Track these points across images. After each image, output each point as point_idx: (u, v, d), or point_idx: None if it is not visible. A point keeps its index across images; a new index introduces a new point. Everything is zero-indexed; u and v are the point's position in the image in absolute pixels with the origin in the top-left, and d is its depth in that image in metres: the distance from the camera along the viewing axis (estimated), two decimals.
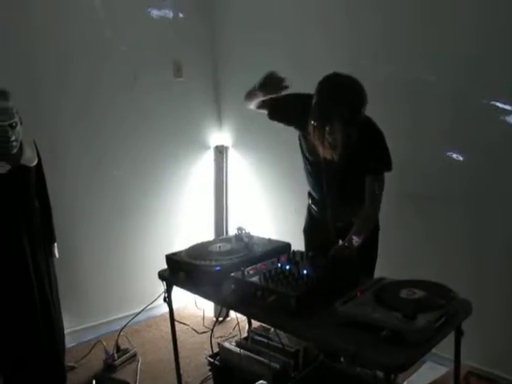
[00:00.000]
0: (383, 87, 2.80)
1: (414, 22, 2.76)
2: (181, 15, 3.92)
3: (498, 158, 2.54)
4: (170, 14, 3.87)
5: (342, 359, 2.36)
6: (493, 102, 2.49)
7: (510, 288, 2.56)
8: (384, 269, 2.36)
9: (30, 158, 2.71)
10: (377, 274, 2.14)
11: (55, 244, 2.92)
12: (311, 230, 2.60)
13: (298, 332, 1.82)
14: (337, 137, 2.04)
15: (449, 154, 2.69)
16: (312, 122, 2.08)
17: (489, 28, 2.48)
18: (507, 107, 2.44)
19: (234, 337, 2.98)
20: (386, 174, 2.24)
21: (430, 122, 2.75)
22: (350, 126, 2.03)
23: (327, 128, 2.03)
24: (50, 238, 2.88)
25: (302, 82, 3.30)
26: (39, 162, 2.79)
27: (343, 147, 2.07)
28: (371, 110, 2.10)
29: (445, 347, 1.91)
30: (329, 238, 2.36)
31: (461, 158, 2.66)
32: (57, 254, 2.93)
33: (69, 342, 3.27)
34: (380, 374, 1.58)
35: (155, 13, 3.79)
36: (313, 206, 2.54)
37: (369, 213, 2.26)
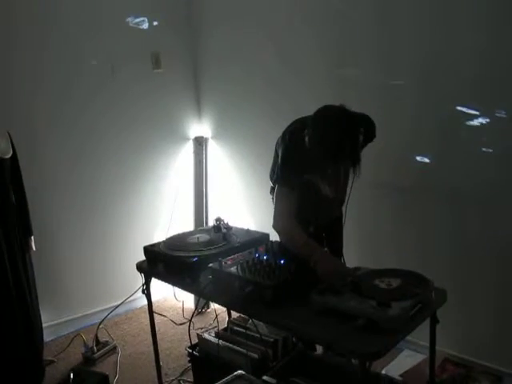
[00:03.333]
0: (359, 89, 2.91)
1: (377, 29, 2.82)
2: (159, 6, 3.89)
3: (465, 156, 2.60)
4: (149, 5, 3.83)
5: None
6: (459, 108, 2.55)
7: (486, 276, 2.61)
8: (360, 258, 2.38)
9: (4, 150, 2.66)
10: (353, 263, 2.16)
11: (32, 237, 2.88)
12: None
13: (275, 322, 1.83)
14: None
15: (418, 156, 2.77)
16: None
17: (455, 34, 2.52)
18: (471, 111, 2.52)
19: (213, 328, 2.99)
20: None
21: (399, 123, 2.80)
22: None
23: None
24: (26, 231, 2.84)
25: (287, 72, 3.35)
26: (14, 154, 2.74)
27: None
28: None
29: (422, 335, 1.94)
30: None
31: (426, 160, 2.75)
32: (34, 247, 2.89)
33: (47, 336, 3.24)
34: (356, 361, 1.60)
35: (134, 5, 3.76)
36: None
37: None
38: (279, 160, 2.16)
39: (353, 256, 2.47)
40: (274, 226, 2.13)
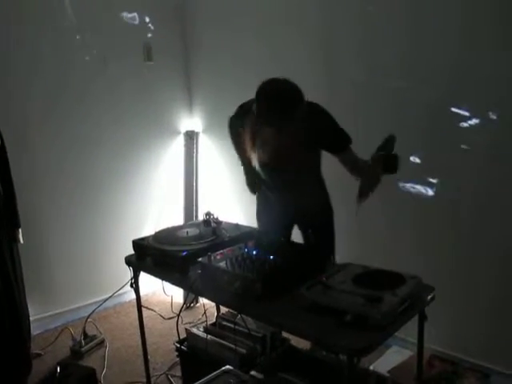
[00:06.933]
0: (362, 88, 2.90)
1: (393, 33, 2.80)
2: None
3: (462, 156, 2.60)
4: None
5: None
6: (454, 109, 2.56)
7: (473, 274, 2.62)
8: (352, 254, 2.38)
9: None
10: (345, 260, 2.16)
11: (19, 229, 2.85)
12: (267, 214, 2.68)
13: (263, 317, 1.81)
14: (270, 141, 2.20)
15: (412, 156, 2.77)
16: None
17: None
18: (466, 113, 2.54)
19: (202, 323, 2.97)
20: None
21: (406, 124, 2.78)
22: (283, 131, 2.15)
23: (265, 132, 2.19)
24: (13, 223, 2.81)
25: (278, 67, 3.30)
26: (2, 145, 2.71)
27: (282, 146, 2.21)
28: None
29: (410, 332, 1.95)
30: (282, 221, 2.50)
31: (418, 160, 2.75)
32: (21, 240, 2.86)
33: (35, 330, 3.22)
34: (344, 357, 1.59)
35: None
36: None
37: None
38: None
39: (344, 253, 2.47)
40: None
